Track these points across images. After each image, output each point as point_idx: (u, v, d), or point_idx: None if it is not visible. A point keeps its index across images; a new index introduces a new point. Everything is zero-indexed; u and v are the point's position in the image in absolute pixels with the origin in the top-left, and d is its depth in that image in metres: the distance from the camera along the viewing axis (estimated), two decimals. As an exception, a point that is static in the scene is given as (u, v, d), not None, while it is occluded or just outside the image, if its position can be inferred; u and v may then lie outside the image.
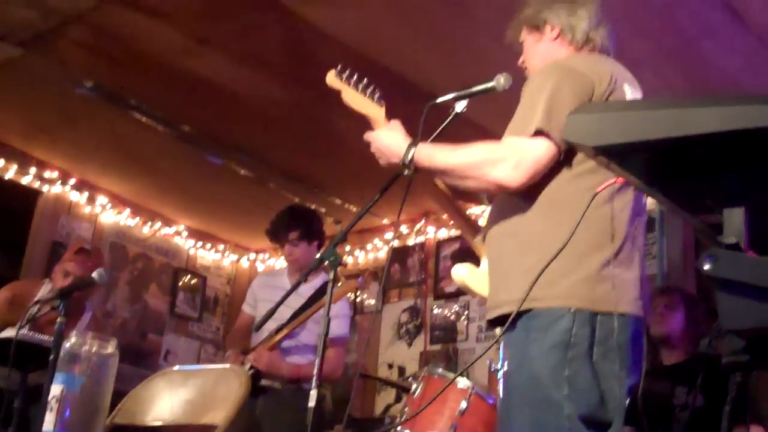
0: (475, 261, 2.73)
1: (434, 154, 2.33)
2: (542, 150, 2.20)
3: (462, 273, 2.63)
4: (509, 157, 2.20)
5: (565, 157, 2.25)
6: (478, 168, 2.25)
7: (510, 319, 2.17)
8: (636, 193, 2.32)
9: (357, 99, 2.51)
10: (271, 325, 4.29)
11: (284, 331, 4.32)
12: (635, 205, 2.31)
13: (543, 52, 2.53)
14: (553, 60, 2.43)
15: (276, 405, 4.30)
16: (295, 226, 4.60)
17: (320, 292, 4.40)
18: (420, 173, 2.39)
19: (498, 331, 2.60)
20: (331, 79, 2.51)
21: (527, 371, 2.17)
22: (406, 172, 2.37)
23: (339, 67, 2.51)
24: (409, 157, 2.34)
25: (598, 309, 2.16)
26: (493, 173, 2.22)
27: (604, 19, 2.53)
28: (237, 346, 4.58)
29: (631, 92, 2.38)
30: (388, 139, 2.42)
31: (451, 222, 2.73)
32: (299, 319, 4.32)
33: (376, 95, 2.53)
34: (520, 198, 2.28)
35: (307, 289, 4.43)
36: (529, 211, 2.28)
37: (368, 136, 2.48)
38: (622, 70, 2.42)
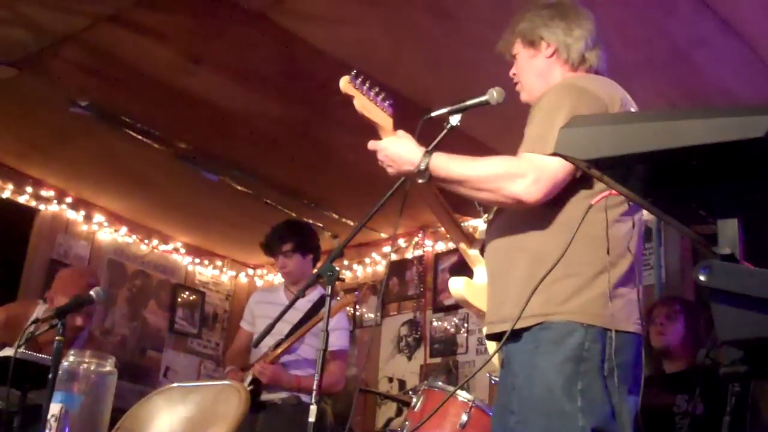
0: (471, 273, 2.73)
1: (451, 164, 2.32)
2: (561, 169, 2.21)
3: (459, 287, 2.63)
4: (528, 173, 2.21)
5: (582, 177, 2.26)
6: (495, 181, 2.25)
7: (506, 335, 2.18)
8: (632, 204, 2.33)
9: (368, 106, 2.50)
10: (269, 341, 4.31)
11: (284, 346, 4.33)
12: (640, 225, 2.34)
13: (538, 68, 2.54)
14: (564, 79, 2.44)
15: (276, 420, 4.30)
16: (288, 238, 4.61)
17: (317, 306, 4.40)
18: (432, 182, 2.37)
19: (490, 344, 2.60)
20: (345, 85, 2.49)
21: (540, 383, 2.17)
22: (420, 180, 2.34)
23: (353, 72, 2.51)
24: (425, 164, 2.33)
25: (608, 326, 2.18)
26: (512, 187, 2.22)
27: (599, 40, 2.55)
28: (237, 362, 4.59)
29: None
30: (401, 147, 2.40)
31: (444, 231, 2.71)
32: (297, 334, 4.32)
33: (387, 103, 2.53)
34: (532, 213, 2.29)
35: (304, 303, 4.44)
36: (541, 227, 2.29)
37: (375, 144, 2.45)
38: (625, 93, 2.44)
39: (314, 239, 4.79)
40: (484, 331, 2.43)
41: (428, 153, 2.35)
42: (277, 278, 7.66)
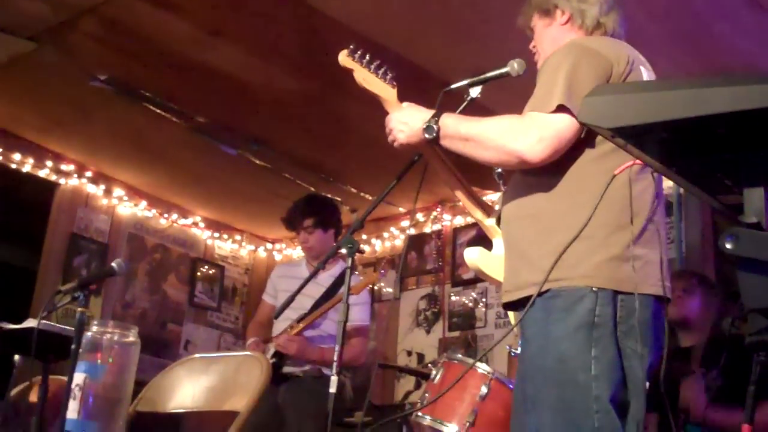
0: (490, 246, 2.73)
1: (460, 122, 2.32)
2: (565, 125, 2.18)
3: (474, 256, 2.61)
4: (532, 131, 2.19)
5: (586, 137, 2.23)
6: (499, 138, 2.23)
7: (531, 301, 2.17)
8: (656, 175, 2.31)
9: (369, 79, 2.50)
10: (292, 315, 4.33)
11: (307, 320, 4.35)
12: (655, 187, 2.30)
13: (553, 36, 2.52)
14: (571, 40, 2.42)
15: (298, 392, 4.34)
16: (309, 214, 4.62)
17: (339, 280, 4.41)
18: (440, 142, 2.35)
19: (511, 314, 2.60)
20: (343, 58, 2.50)
21: (553, 352, 2.16)
22: (428, 136, 2.34)
23: (351, 46, 2.50)
24: (435, 121, 2.32)
25: (620, 289, 2.16)
26: (515, 145, 2.20)
27: (616, 5, 2.52)
28: (258, 334, 4.62)
29: (647, 75, 2.38)
30: (410, 112, 2.41)
31: (462, 205, 2.70)
32: (321, 310, 4.34)
33: (389, 76, 2.52)
34: (541, 178, 2.27)
35: (326, 278, 4.46)
36: (551, 191, 2.27)
37: (387, 118, 2.46)
38: (638, 53, 2.41)
39: (336, 214, 4.79)
40: (502, 300, 2.42)
41: (438, 113, 2.35)
42: (297, 252, 7.69)
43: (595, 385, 2.11)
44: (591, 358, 2.12)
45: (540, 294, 2.18)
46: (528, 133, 2.19)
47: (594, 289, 2.15)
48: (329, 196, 6.11)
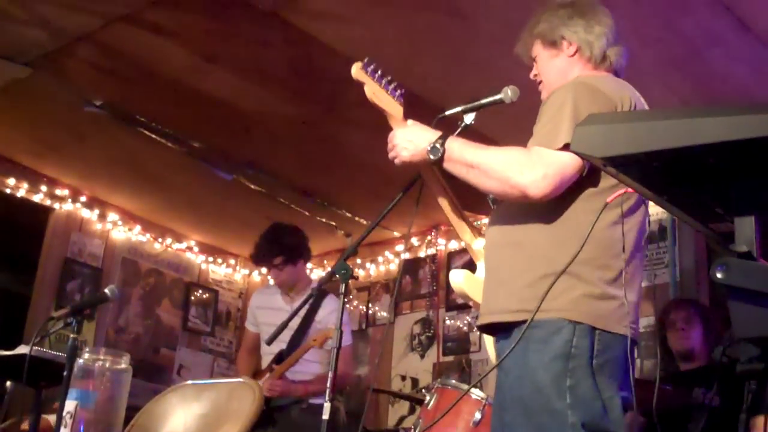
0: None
1: (466, 148, 2.32)
2: (569, 163, 2.18)
3: (459, 279, 2.61)
4: (538, 167, 2.19)
5: (589, 175, 2.24)
6: (505, 170, 2.22)
7: (518, 339, 2.18)
8: (643, 216, 2.33)
9: (379, 94, 2.49)
10: (275, 346, 4.45)
11: (286, 364, 4.45)
12: (641, 228, 2.32)
13: (559, 68, 2.52)
14: (576, 77, 2.42)
15: (288, 425, 4.38)
16: (278, 251, 4.65)
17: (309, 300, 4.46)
18: (443, 164, 2.35)
19: (487, 338, 2.60)
20: (357, 71, 2.49)
21: (529, 381, 2.17)
22: (432, 157, 2.33)
23: (366, 60, 2.50)
24: (441, 142, 2.32)
25: (596, 325, 2.18)
26: (520, 179, 2.19)
27: (619, 38, 2.54)
28: (249, 365, 4.68)
29: None
30: (416, 131, 2.41)
31: (452, 225, 2.70)
32: (296, 354, 4.43)
33: (398, 93, 2.52)
34: (529, 208, 2.28)
35: (299, 302, 4.52)
36: (539, 222, 2.27)
37: (391, 135, 2.46)
38: (638, 95, 2.43)
39: (303, 243, 4.81)
40: (477, 322, 2.43)
41: (446, 135, 2.36)
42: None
43: (570, 413, 2.12)
44: (566, 388, 2.13)
45: (518, 324, 2.19)
46: (534, 169, 2.19)
47: (572, 321, 2.17)
48: (323, 220, 6.12)
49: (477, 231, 2.70)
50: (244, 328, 7.54)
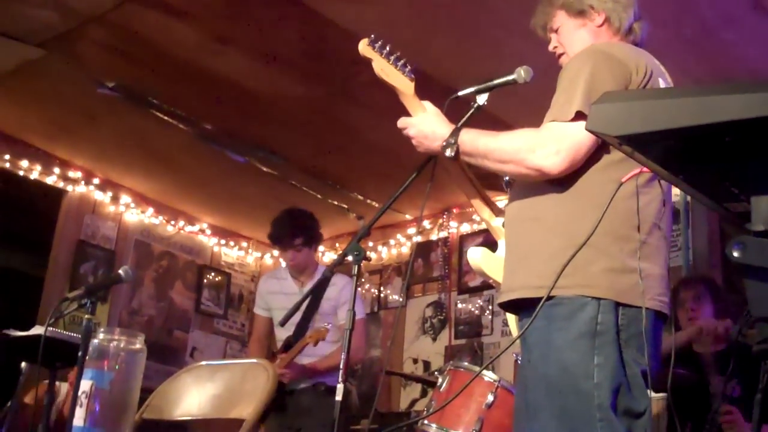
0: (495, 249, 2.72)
1: (478, 138, 2.32)
2: (583, 134, 2.15)
3: (477, 256, 2.60)
4: (550, 143, 2.18)
5: (602, 146, 2.22)
6: (518, 153, 2.23)
7: (535, 313, 2.16)
8: (664, 186, 2.30)
9: (388, 69, 2.47)
10: (283, 331, 4.56)
11: (292, 352, 4.46)
12: (663, 199, 2.28)
13: (585, 38, 2.48)
14: (591, 45, 2.40)
15: (299, 407, 4.42)
16: (299, 233, 4.70)
17: (320, 284, 4.47)
18: (460, 157, 2.36)
19: (510, 318, 2.60)
20: (363, 47, 2.47)
21: (555, 361, 2.14)
22: (447, 154, 2.33)
23: (372, 36, 2.49)
24: (455, 139, 2.32)
25: (619, 300, 2.14)
26: (534, 159, 2.19)
27: (642, 12, 2.51)
28: (261, 354, 4.72)
29: (665, 85, 2.35)
30: (432, 124, 2.41)
31: (471, 203, 2.68)
32: (299, 345, 4.43)
33: (407, 69, 2.50)
34: (546, 183, 2.26)
35: (309, 285, 4.62)
36: (555, 196, 2.25)
37: (405, 121, 2.45)
38: (657, 63, 2.40)
39: (319, 229, 4.91)
40: (498, 300, 2.41)
41: (458, 129, 2.34)
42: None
43: (597, 393, 2.09)
44: (594, 366, 2.10)
45: (539, 299, 2.16)
46: (545, 146, 2.18)
47: (595, 298, 2.14)
48: (335, 203, 6.13)
49: (498, 209, 2.69)
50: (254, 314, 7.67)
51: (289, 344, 4.52)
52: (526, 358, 2.27)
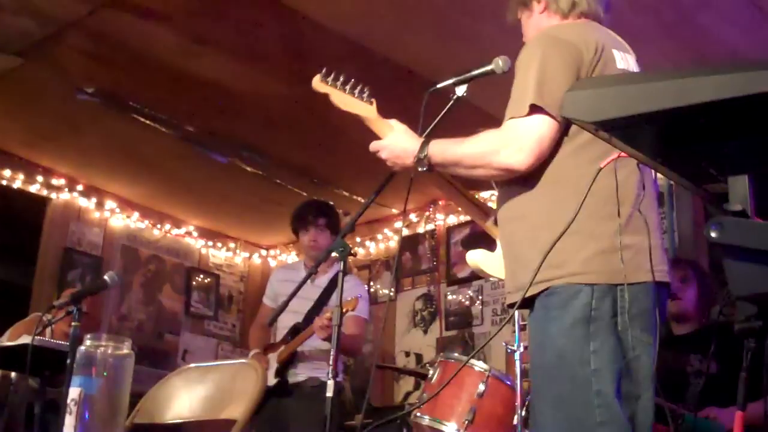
0: (489, 243, 2.74)
1: (446, 149, 2.34)
2: (541, 126, 2.19)
3: (477, 258, 2.65)
4: (511, 142, 2.20)
5: (564, 131, 2.23)
6: (484, 157, 2.26)
7: (518, 303, 2.19)
8: None
9: (346, 100, 2.51)
10: (292, 318, 4.48)
11: (291, 346, 4.45)
12: (641, 172, 2.27)
13: (535, 26, 2.53)
14: (538, 31, 2.43)
15: (299, 399, 4.40)
16: (323, 214, 4.71)
17: (334, 284, 4.46)
18: (435, 169, 2.38)
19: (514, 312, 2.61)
20: (317, 83, 2.52)
21: (551, 349, 2.16)
22: (421, 169, 2.37)
23: (324, 70, 2.51)
24: (425, 153, 2.35)
25: (612, 281, 2.15)
26: (500, 160, 2.22)
27: None
28: (261, 338, 4.71)
29: (621, 56, 2.35)
30: (401, 142, 2.43)
31: (460, 209, 2.72)
32: (300, 338, 4.42)
33: (365, 94, 2.52)
34: (524, 179, 2.27)
35: (324, 281, 4.57)
36: (534, 190, 2.27)
37: (376, 145, 2.48)
38: (611, 35, 2.41)
39: (340, 222, 4.90)
40: (506, 301, 2.43)
41: (426, 142, 2.36)
42: (291, 257, 7.69)
43: (595, 379, 2.09)
44: (590, 353, 2.11)
45: (538, 294, 2.19)
46: (508, 146, 2.21)
47: (589, 284, 2.15)
48: (321, 200, 6.12)
49: (488, 208, 2.72)
50: (247, 311, 7.64)
51: (297, 330, 4.51)
52: (529, 349, 2.30)
